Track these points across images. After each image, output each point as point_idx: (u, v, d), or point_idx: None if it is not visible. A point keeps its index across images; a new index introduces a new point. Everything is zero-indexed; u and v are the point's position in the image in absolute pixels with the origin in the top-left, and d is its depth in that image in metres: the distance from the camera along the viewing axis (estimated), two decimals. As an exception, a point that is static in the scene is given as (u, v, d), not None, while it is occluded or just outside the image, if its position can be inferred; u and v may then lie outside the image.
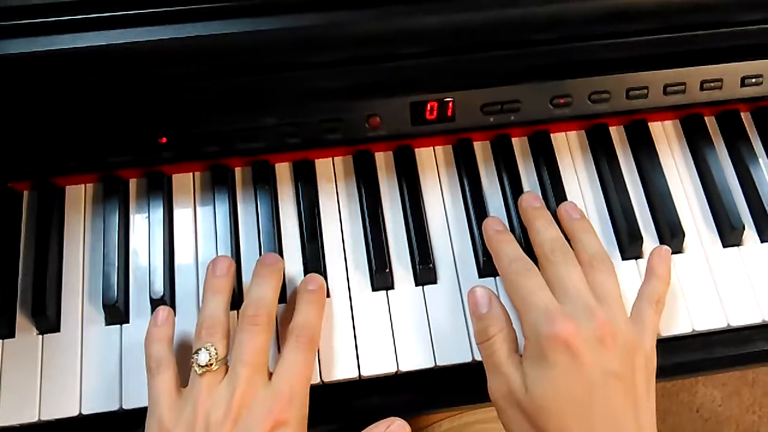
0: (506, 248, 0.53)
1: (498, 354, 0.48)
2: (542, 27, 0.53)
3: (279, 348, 0.52)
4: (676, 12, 0.54)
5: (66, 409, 0.51)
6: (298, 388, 0.47)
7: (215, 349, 0.47)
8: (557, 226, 0.54)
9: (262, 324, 0.48)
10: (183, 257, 0.56)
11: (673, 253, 0.56)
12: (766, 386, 1.33)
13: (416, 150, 0.60)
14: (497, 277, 0.55)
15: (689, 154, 0.61)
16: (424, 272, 0.55)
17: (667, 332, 0.54)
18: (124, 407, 0.51)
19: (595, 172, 0.60)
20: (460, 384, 0.53)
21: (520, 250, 0.53)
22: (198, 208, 0.58)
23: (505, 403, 0.48)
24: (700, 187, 0.59)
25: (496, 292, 0.53)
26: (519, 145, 0.61)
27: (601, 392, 0.45)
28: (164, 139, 0.54)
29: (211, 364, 0.47)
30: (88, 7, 0.49)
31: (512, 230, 0.56)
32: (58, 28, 0.49)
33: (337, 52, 0.52)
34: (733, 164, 0.60)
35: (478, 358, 0.52)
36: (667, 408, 1.30)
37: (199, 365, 0.47)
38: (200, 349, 0.47)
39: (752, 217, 0.58)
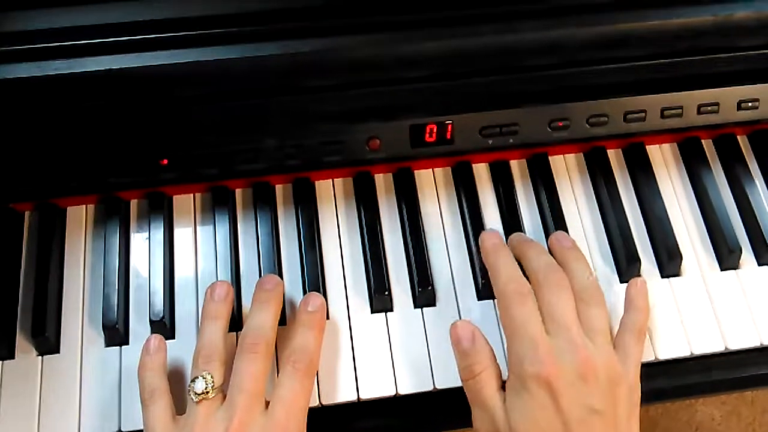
0: (503, 267, 0.52)
1: (485, 391, 0.48)
2: (540, 52, 0.54)
3: (278, 370, 0.52)
4: (673, 37, 0.55)
5: (64, 431, 0.51)
6: (294, 416, 0.47)
7: (212, 376, 0.47)
8: (550, 254, 0.54)
9: (261, 352, 0.48)
10: (183, 279, 0.56)
11: (670, 276, 0.57)
12: (765, 404, 1.32)
13: (416, 172, 0.60)
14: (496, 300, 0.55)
15: (687, 177, 0.61)
16: (424, 295, 0.55)
17: (664, 355, 0.54)
18: (122, 429, 0.51)
19: (593, 194, 0.60)
20: (459, 407, 0.53)
21: (518, 269, 0.52)
22: (198, 230, 0.58)
23: None
24: (698, 210, 0.60)
25: (495, 315, 0.53)
26: (517, 167, 0.61)
27: (581, 429, 0.45)
28: (165, 161, 0.54)
29: (208, 392, 0.47)
30: (89, 33, 0.50)
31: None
32: (59, 53, 0.49)
33: (337, 76, 0.53)
34: (730, 187, 0.61)
35: (477, 381, 0.52)
36: (667, 426, 1.29)
37: (196, 393, 0.47)
38: (197, 377, 0.47)
39: (749, 240, 0.58)
